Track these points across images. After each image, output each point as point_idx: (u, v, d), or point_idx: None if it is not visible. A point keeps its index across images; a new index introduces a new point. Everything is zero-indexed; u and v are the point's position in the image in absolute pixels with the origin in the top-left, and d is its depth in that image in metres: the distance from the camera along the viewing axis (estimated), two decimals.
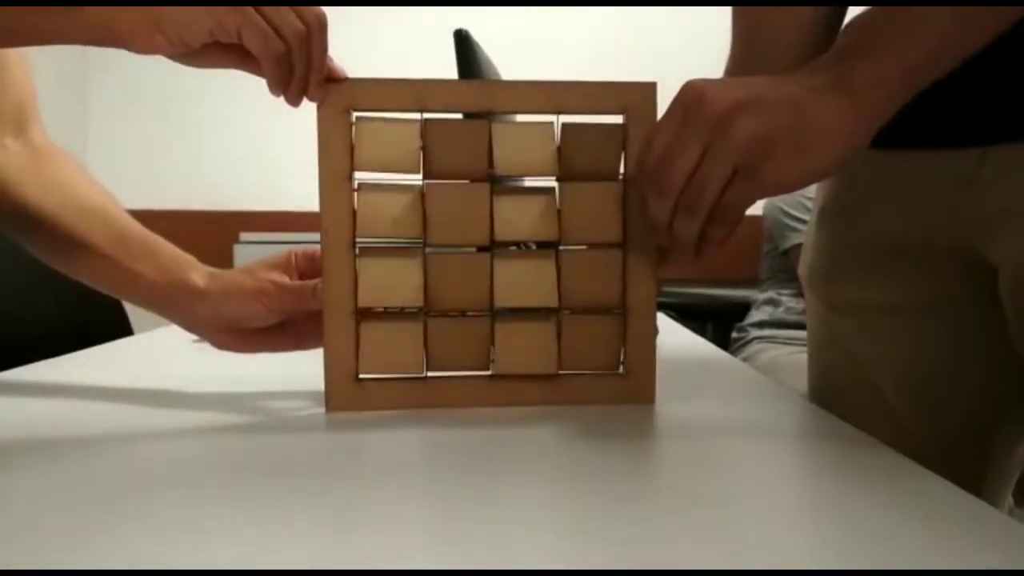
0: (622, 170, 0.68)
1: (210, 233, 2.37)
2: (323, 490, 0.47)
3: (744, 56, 0.81)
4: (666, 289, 2.35)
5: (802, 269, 0.89)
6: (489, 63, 1.37)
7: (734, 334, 2.11)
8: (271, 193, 2.23)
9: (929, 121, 0.72)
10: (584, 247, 0.69)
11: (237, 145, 2.09)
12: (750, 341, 2.02)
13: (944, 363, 0.77)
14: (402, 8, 2.66)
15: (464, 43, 1.25)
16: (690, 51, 2.30)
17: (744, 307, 2.17)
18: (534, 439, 0.59)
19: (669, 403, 0.70)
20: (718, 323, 2.26)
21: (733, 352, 2.06)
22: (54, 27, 0.59)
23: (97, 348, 1.00)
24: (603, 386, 0.69)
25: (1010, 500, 1.19)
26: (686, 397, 0.73)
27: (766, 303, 2.08)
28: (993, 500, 0.82)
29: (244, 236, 1.92)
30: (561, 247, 0.68)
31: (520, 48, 2.57)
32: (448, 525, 0.42)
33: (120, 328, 1.25)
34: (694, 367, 0.92)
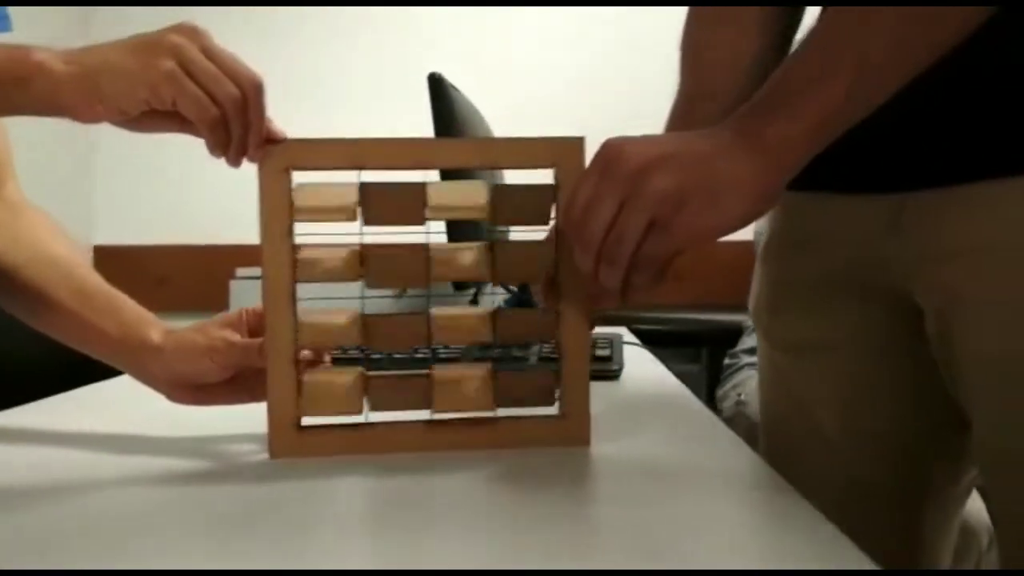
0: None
1: (206, 268, 2.42)
2: (266, 538, 0.51)
3: (688, 97, 0.84)
4: (660, 316, 2.37)
5: (750, 305, 0.91)
6: (465, 101, 1.41)
7: (726, 360, 2.12)
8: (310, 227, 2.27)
9: (854, 166, 0.74)
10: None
11: (232, 179, 2.14)
12: (741, 367, 2.03)
13: (880, 399, 0.79)
14: (378, 49, 2.71)
15: (438, 87, 1.29)
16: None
17: (739, 332, 2.18)
18: (467, 485, 0.62)
19: (606, 444, 0.72)
20: (713, 349, 2.27)
21: (725, 379, 2.07)
22: (4, 98, 0.62)
23: (57, 397, 1.03)
24: (538, 429, 0.72)
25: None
26: (624, 439, 0.75)
27: None
28: (938, 532, 0.83)
29: (240, 271, 1.97)
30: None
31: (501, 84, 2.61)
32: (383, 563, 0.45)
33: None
34: (647, 404, 0.94)
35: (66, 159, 2.58)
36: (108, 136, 2.61)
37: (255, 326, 0.75)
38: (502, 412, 0.71)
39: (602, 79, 2.67)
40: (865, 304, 0.78)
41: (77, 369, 1.18)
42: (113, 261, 2.65)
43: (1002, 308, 0.66)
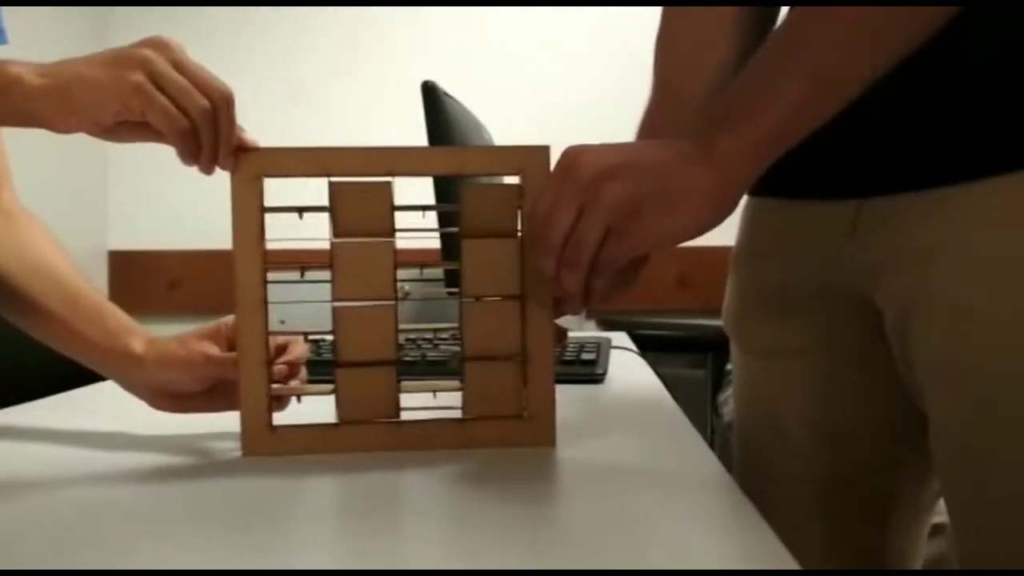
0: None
1: (218, 272, 2.44)
2: (240, 533, 0.53)
3: (658, 95, 0.85)
4: (664, 321, 2.38)
5: (723, 312, 0.93)
6: (460, 108, 1.42)
7: (728, 366, 2.12)
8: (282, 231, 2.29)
9: (811, 172, 0.76)
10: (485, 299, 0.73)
11: None
12: None
13: (845, 402, 0.80)
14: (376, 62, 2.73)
15: (431, 95, 1.31)
16: None
17: None
18: (432, 483, 0.64)
19: (572, 446, 0.73)
20: (718, 354, 2.27)
21: (726, 384, 2.07)
22: None
23: (46, 400, 1.06)
24: (504, 430, 0.73)
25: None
26: (591, 441, 0.77)
27: None
28: (906, 536, 0.84)
29: None
30: (463, 299, 0.73)
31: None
32: (353, 561, 0.48)
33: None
34: (625, 409, 0.96)
35: (80, 165, 2.63)
36: (122, 144, 2.66)
37: (233, 338, 0.77)
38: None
39: (609, 85, 2.67)
40: (828, 310, 0.79)
41: (69, 372, 1.21)
42: (127, 266, 2.70)
43: (952, 309, 0.67)
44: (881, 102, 0.65)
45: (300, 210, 0.72)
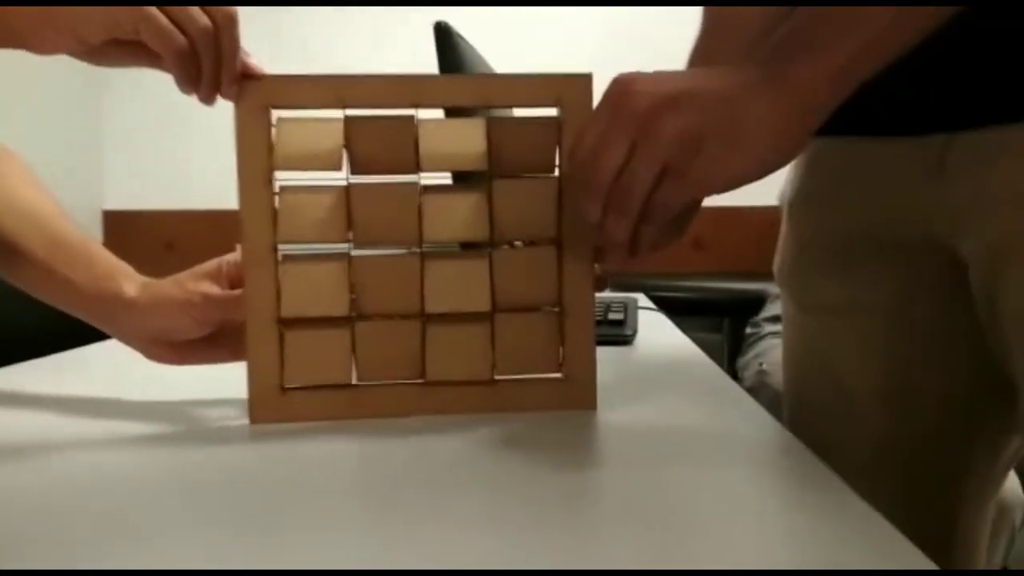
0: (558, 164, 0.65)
1: (215, 233, 2.37)
2: (246, 509, 0.46)
3: (710, 27, 0.78)
4: (681, 283, 2.30)
5: (775, 266, 0.85)
6: (475, 54, 1.34)
7: (748, 329, 2.05)
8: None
9: (891, 107, 0.68)
10: (518, 245, 0.66)
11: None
12: (763, 336, 1.97)
13: (915, 364, 0.73)
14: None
15: (444, 36, 1.22)
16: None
17: (762, 301, 2.11)
18: (465, 453, 0.56)
19: (613, 410, 0.66)
20: (735, 318, 2.20)
21: (747, 348, 2.01)
22: None
23: (38, 361, 0.99)
24: (540, 392, 0.66)
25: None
26: (634, 404, 0.69)
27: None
28: (975, 509, 0.77)
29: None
30: (493, 246, 0.65)
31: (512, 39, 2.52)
32: (377, 543, 0.41)
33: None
34: (661, 370, 0.89)
35: (74, 124, 2.54)
36: (117, 100, 2.57)
37: (236, 277, 0.69)
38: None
39: (625, 34, 2.57)
40: (901, 261, 0.71)
41: (72, 329, 1.14)
42: (122, 226, 2.62)
43: None
44: (977, 22, 0.57)
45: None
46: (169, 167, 2.57)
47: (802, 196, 0.78)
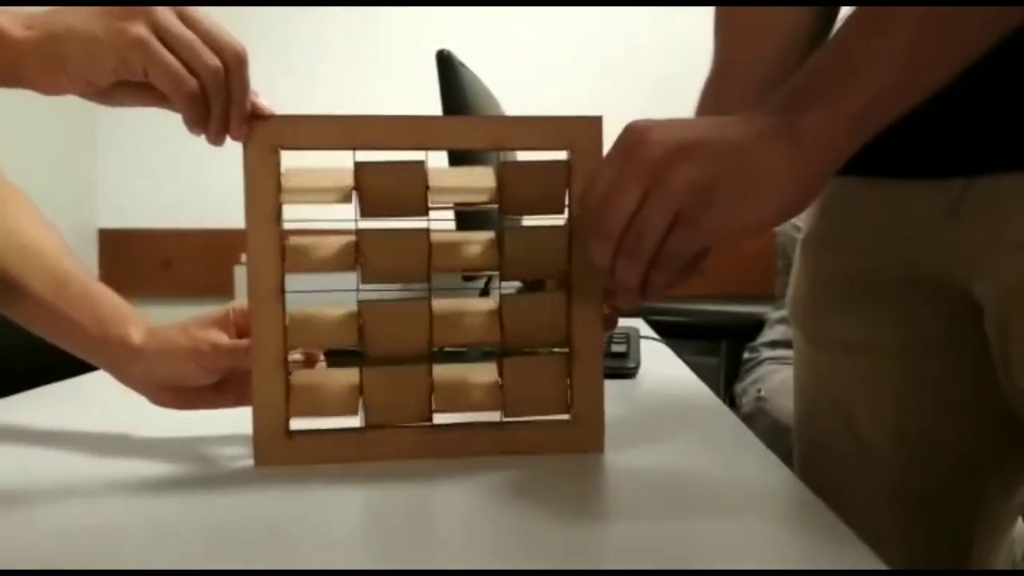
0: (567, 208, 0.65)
1: (211, 252, 2.36)
2: (246, 558, 0.45)
3: (722, 65, 0.77)
4: (677, 306, 2.30)
5: (788, 301, 0.85)
6: (477, 81, 1.34)
7: (745, 354, 2.05)
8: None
9: (910, 149, 0.68)
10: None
11: (239, 163, 2.07)
12: (761, 362, 1.97)
13: (927, 407, 0.73)
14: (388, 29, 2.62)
15: (446, 65, 1.22)
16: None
17: (760, 325, 2.11)
18: (471, 501, 0.56)
19: (620, 451, 0.66)
20: (732, 341, 2.20)
21: (744, 373, 2.00)
22: None
23: (35, 391, 0.98)
24: (548, 434, 0.66)
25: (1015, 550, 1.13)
26: (641, 445, 0.69)
27: (780, 321, 2.01)
28: (987, 552, 0.77)
29: (245, 257, 1.91)
30: (502, 288, 0.65)
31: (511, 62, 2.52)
32: None
33: None
34: (665, 406, 0.88)
35: (70, 141, 2.53)
36: (112, 118, 2.56)
37: (243, 325, 0.69)
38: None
39: (626, 61, 2.58)
40: (918, 301, 0.71)
41: (67, 360, 1.13)
42: (118, 244, 2.60)
43: None
44: (996, 66, 0.56)
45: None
46: (165, 185, 2.56)
47: (817, 234, 0.78)
